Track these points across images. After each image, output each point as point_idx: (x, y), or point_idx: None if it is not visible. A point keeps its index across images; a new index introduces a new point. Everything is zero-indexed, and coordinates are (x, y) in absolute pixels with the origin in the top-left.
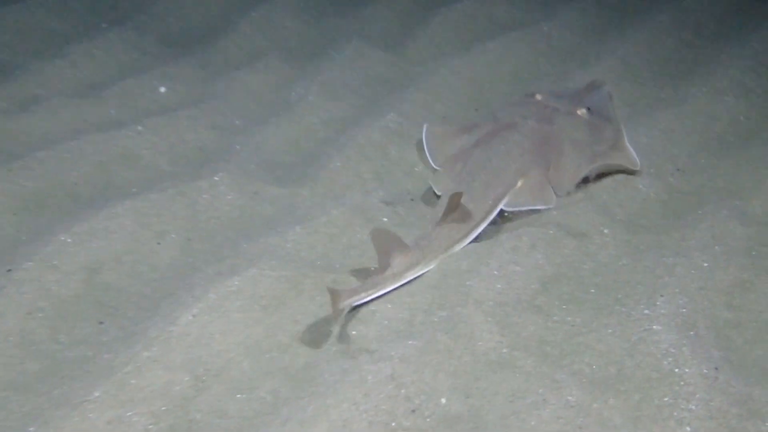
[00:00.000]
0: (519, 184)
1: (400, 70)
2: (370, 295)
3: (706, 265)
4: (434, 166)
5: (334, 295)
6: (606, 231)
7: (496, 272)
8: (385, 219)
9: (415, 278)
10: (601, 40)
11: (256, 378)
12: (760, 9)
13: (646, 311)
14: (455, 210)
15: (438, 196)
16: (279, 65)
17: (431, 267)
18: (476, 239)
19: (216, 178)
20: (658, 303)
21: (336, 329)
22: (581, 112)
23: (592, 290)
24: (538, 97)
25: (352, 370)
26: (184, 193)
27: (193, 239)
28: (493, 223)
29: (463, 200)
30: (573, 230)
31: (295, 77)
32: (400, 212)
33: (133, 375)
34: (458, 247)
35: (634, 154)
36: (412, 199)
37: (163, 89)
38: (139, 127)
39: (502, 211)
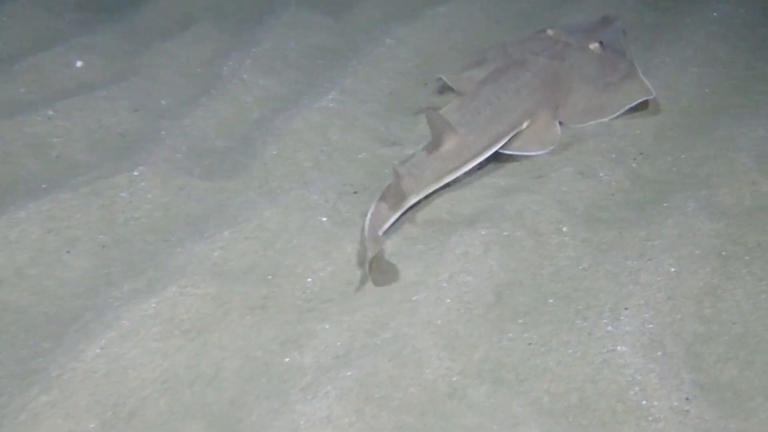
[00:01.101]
0: (524, 125)
1: (342, 39)
2: (383, 227)
3: (673, 270)
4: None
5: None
6: (565, 229)
7: (445, 284)
8: (325, 219)
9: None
10: (557, 2)
11: (175, 420)
12: None
13: (610, 328)
14: (443, 134)
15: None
16: (210, 34)
17: (421, 197)
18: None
19: (136, 173)
20: (622, 318)
21: (268, 357)
22: (593, 46)
23: (551, 300)
24: (550, 32)
25: (283, 411)
26: (100, 191)
27: (109, 246)
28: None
29: (463, 131)
30: (529, 228)
31: (228, 48)
32: (342, 209)
33: (27, 425)
34: (450, 178)
35: (647, 82)
36: (355, 192)
37: (80, 63)
38: (51, 111)
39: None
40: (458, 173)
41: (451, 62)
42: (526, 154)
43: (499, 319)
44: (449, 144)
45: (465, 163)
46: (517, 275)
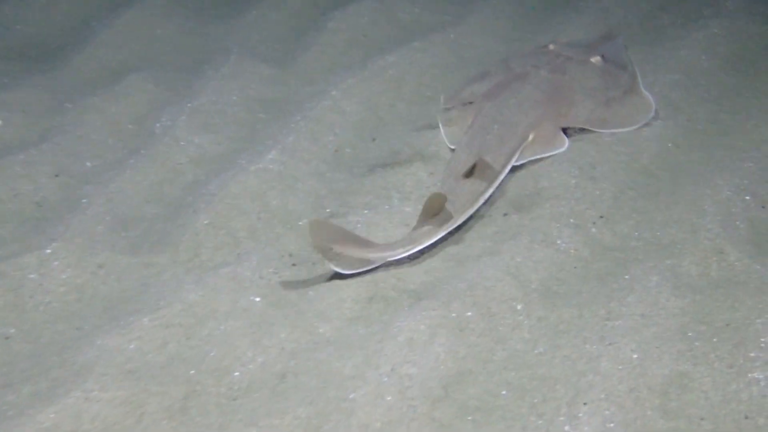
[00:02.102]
0: (531, 138)
1: (286, 90)
2: (408, 251)
3: (635, 356)
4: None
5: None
6: (519, 307)
7: (386, 378)
8: (258, 299)
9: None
10: (513, 47)
11: None
12: (683, 7)
13: (567, 427)
14: (467, 161)
15: (451, 149)
16: (144, 87)
17: (459, 223)
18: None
19: (49, 251)
20: (580, 415)
21: None
22: (595, 59)
23: (504, 392)
24: (551, 47)
25: None
26: (5, 273)
27: (13, 337)
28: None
29: (482, 154)
30: (480, 307)
31: (162, 102)
32: (278, 286)
33: None
34: (482, 200)
35: (650, 97)
36: (294, 264)
37: None
38: None
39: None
40: (487, 194)
41: (401, 115)
42: (538, 157)
43: (446, 416)
44: (476, 168)
45: (492, 183)
46: (467, 363)
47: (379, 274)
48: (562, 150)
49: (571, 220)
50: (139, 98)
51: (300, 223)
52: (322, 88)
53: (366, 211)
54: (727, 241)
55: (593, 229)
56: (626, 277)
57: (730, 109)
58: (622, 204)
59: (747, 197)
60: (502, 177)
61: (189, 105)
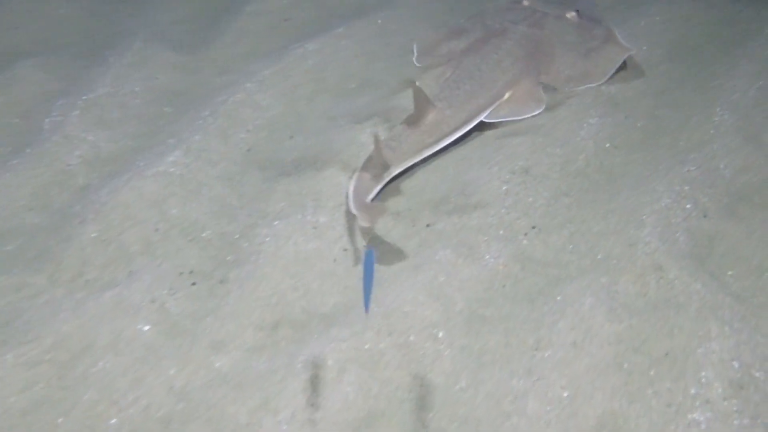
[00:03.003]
0: (506, 96)
1: (196, 81)
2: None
3: (566, 394)
4: (417, 64)
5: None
6: (441, 334)
7: (285, 426)
8: (147, 327)
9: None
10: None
11: None
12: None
13: None
14: (424, 107)
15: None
16: (35, 76)
17: (399, 171)
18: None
19: None
20: None
21: None
22: (570, 15)
23: None
24: (526, 2)
25: None
26: None
27: None
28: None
29: (442, 105)
30: (397, 337)
31: (54, 93)
32: (172, 311)
33: None
34: (428, 152)
35: (627, 45)
36: (193, 284)
37: None
38: None
39: (482, 123)
40: (436, 147)
41: (320, 113)
42: (514, 119)
43: None
44: (427, 118)
45: (443, 137)
46: (379, 404)
47: (289, 295)
48: (538, 112)
49: (501, 232)
50: (27, 89)
51: (203, 234)
52: (235, 79)
53: (276, 223)
54: (666, 255)
55: (524, 242)
56: (558, 298)
57: (671, 103)
58: (556, 212)
59: (688, 205)
60: (459, 133)
61: (84, 97)
